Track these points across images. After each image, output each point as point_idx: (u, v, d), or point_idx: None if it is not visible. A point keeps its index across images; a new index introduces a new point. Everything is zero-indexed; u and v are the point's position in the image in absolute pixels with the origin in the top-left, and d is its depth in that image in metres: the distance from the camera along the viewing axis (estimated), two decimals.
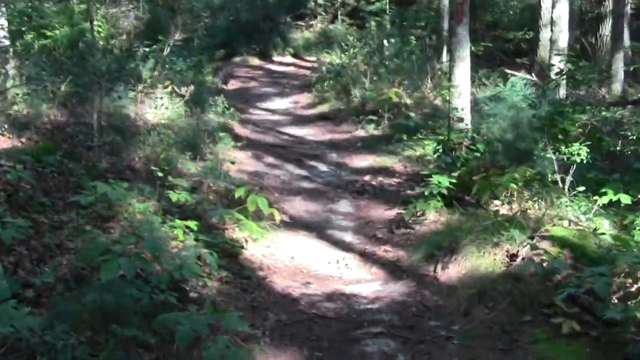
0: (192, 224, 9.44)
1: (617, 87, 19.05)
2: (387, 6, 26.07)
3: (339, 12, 29.33)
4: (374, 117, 17.04)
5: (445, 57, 21.05)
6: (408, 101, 18.01)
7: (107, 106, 14.99)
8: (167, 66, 19.74)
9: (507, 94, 13.08)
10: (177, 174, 12.11)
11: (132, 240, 7.76)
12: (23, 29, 19.91)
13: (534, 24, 23.39)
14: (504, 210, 10.46)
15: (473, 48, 21.38)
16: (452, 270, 9.08)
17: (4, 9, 15.68)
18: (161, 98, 16.46)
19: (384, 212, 11.81)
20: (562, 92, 15.98)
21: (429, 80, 19.16)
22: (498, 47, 23.07)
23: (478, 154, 11.81)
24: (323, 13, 29.76)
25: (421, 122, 15.57)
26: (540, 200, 10.20)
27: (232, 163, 13.31)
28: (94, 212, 9.85)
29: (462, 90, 13.21)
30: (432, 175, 11.00)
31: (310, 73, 23.08)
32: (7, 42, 15.73)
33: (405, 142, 14.98)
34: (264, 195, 10.71)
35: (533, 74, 19.40)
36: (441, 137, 13.56)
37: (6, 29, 15.72)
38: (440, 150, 12.04)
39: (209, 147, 14.54)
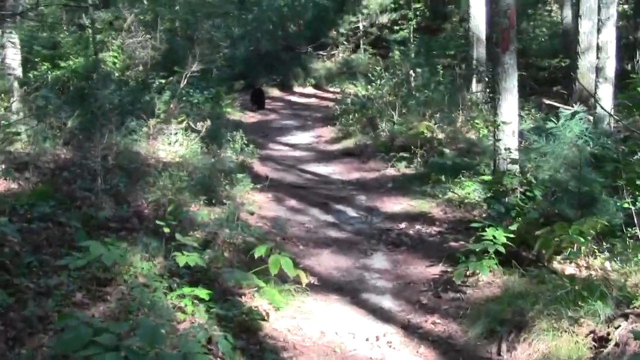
0: (203, 292, 7.67)
1: None
2: (411, 35, 24.17)
3: (361, 41, 27.50)
4: (405, 154, 15.14)
5: (475, 86, 19.24)
6: (441, 135, 16.15)
7: (116, 143, 13.36)
8: (184, 98, 18.10)
9: (559, 130, 11.09)
10: (189, 222, 10.31)
11: (125, 327, 5.94)
12: (37, 59, 18.16)
13: (567, 51, 21.58)
14: (570, 269, 8.58)
15: None
16: (522, 354, 7.12)
17: (15, 38, 14.03)
18: (175, 134, 14.77)
19: (425, 270, 9.86)
20: (611, 123, 14.14)
21: (461, 112, 17.25)
22: (530, 76, 21.12)
23: (534, 202, 9.86)
24: (345, 42, 27.97)
25: (459, 161, 13.65)
26: (617, 260, 8.27)
27: (252, 214, 11.38)
28: (88, 273, 8.11)
29: (509, 127, 11.30)
30: (486, 229, 9.02)
31: (333, 105, 21.30)
32: (18, 73, 14.13)
33: (443, 183, 13.05)
34: (288, 255, 8.75)
35: (574, 104, 17.47)
36: (487, 178, 11.71)
37: (18, 60, 14.13)
38: (492, 197, 10.02)
39: (226, 189, 12.71)
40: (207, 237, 9.98)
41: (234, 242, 9.92)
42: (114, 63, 19.70)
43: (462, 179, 12.96)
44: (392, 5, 27.62)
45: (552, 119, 10.69)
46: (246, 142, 15.75)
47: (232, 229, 9.84)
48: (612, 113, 13.93)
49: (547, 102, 17.51)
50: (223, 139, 15.79)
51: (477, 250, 8.89)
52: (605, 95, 14.45)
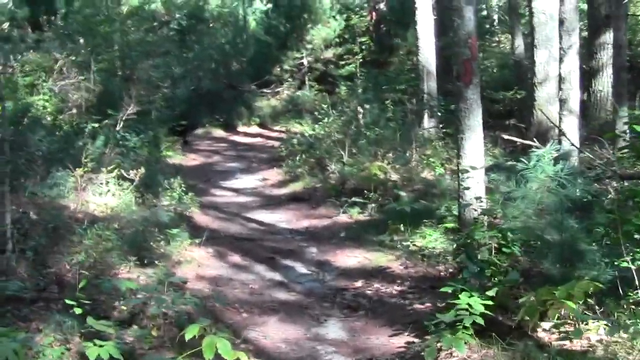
0: None
1: None
2: (358, 69, 22.73)
3: (306, 78, 25.97)
4: (358, 199, 13.57)
5: (427, 122, 17.80)
6: (395, 176, 14.66)
7: (41, 196, 11.77)
8: (120, 143, 16.44)
9: (530, 171, 9.59)
10: (114, 291, 8.63)
11: None
12: None
13: (520, 82, 20.26)
14: (555, 338, 7.11)
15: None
16: None
17: None
18: (106, 183, 13.06)
19: (389, 340, 8.28)
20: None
21: (414, 150, 15.77)
22: (484, 109, 19.70)
23: (510, 258, 8.34)
24: (290, 79, 26.35)
25: (418, 206, 12.06)
26: (615, 328, 6.80)
27: (184, 282, 9.64)
28: None
29: (475, 171, 9.82)
30: (458, 295, 7.46)
31: (279, 145, 19.64)
32: None
33: (402, 232, 11.52)
34: (225, 335, 7.09)
35: (534, 139, 16.12)
36: (450, 226, 10.29)
37: None
38: (464, 255, 8.40)
39: (161, 246, 11.08)
40: (134, 309, 8.33)
41: (165, 315, 8.27)
42: (44, 107, 17.98)
43: (423, 227, 11.46)
44: (337, 40, 26.14)
45: (523, 160, 9.23)
46: (185, 189, 14.10)
47: (160, 302, 8.12)
48: (580, 148, 12.54)
49: (505, 136, 16.07)
50: (160, 187, 14.15)
51: (446, 320, 7.33)
52: (570, 129, 13.00)
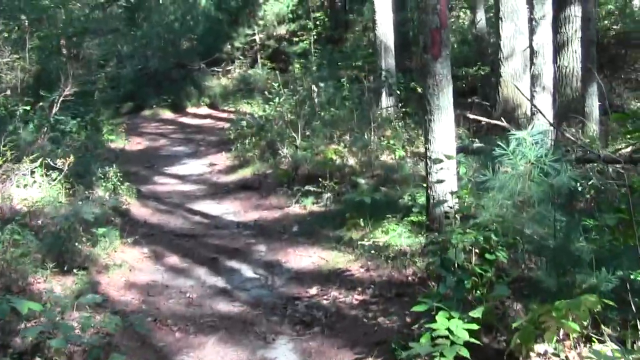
0: None
1: (592, 127, 14.18)
2: (312, 46, 21.00)
3: (258, 56, 24.16)
4: (312, 187, 11.86)
5: (385, 101, 16.17)
6: (352, 161, 13.02)
7: None
8: (58, 126, 14.69)
9: (510, 158, 7.95)
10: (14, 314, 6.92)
11: None
12: None
13: (482, 57, 18.71)
14: None
15: (420, 89, 16.66)
16: None
17: None
18: (31, 174, 11.31)
19: None
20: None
21: (373, 131, 14.14)
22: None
23: (493, 266, 6.71)
24: (241, 57, 24.52)
25: (379, 196, 10.29)
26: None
27: (99, 304, 7.85)
28: None
29: (445, 158, 8.22)
30: (437, 317, 5.84)
31: (229, 126, 17.87)
32: None
33: (362, 227, 9.88)
34: None
35: (502, 118, 14.58)
36: (416, 219, 8.72)
37: None
38: (439, 265, 6.72)
39: (87, 247, 9.37)
40: (40, 337, 6.61)
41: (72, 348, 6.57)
42: None
43: (385, 221, 9.83)
44: (290, 16, 24.36)
45: (501, 144, 7.61)
46: (121, 178, 12.37)
47: (67, 330, 6.39)
48: (559, 129, 11.01)
49: (471, 116, 14.51)
50: (93, 177, 12.39)
51: (419, 350, 5.72)
52: (545, 107, 11.42)
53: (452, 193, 7.92)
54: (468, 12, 23.97)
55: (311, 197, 11.72)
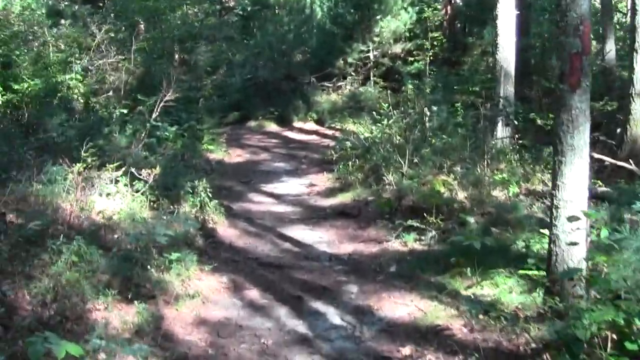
0: None
1: None
2: (427, 67, 19.60)
3: (371, 73, 22.88)
4: (416, 222, 10.45)
5: (501, 131, 14.67)
6: (461, 195, 11.61)
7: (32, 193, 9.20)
8: (157, 133, 13.82)
9: None
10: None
11: None
12: None
13: (608, 92, 16.98)
14: None
15: (540, 121, 15.16)
16: None
17: None
18: (115, 182, 10.35)
19: None
20: None
21: (486, 164, 12.72)
22: None
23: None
24: (353, 74, 23.22)
25: (490, 241, 8.75)
26: None
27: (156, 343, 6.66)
28: None
29: (576, 207, 6.80)
30: None
31: (333, 145, 16.67)
32: None
33: (468, 275, 8.47)
34: None
35: (631, 162, 13.00)
36: (531, 273, 7.34)
37: None
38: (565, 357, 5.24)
39: (160, 272, 8.29)
40: None
41: None
42: (76, 87, 15.27)
43: (495, 271, 8.42)
44: (407, 34, 22.99)
45: None
46: (210, 194, 11.28)
47: None
48: None
49: (596, 155, 12.93)
50: (182, 190, 11.34)
51: None
52: None
53: (586, 260, 6.45)
54: (594, 42, 22.21)
55: (413, 234, 10.36)
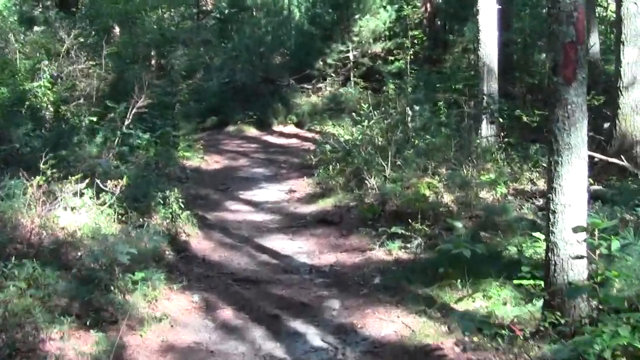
0: None
1: None
2: (408, 66, 18.92)
3: (351, 74, 22.12)
4: (400, 228, 9.71)
5: (485, 129, 14.01)
6: (448, 198, 10.91)
7: None
8: (130, 141, 13.09)
9: None
10: None
11: None
12: None
13: (594, 86, 16.25)
14: None
15: (526, 118, 14.46)
16: None
17: None
18: (80, 195, 9.58)
19: None
20: None
21: (472, 164, 12.05)
22: None
23: None
24: (333, 75, 22.44)
25: (480, 248, 7.95)
26: None
27: None
28: None
29: (575, 211, 6.10)
30: None
31: (315, 148, 15.94)
32: None
33: (457, 286, 7.76)
34: None
35: (622, 156, 12.35)
36: (526, 283, 6.66)
37: None
38: None
39: (124, 293, 7.54)
40: None
41: None
42: (44, 95, 14.48)
43: (487, 280, 7.72)
44: (387, 33, 22.26)
45: None
46: (182, 204, 10.53)
47: None
48: None
49: (596, 155, 12.27)
50: (152, 201, 10.58)
51: None
52: None
53: (593, 278, 5.72)
54: None
55: (398, 241, 9.64)
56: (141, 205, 10.37)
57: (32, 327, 6.40)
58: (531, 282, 7.03)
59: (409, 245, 9.54)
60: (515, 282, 7.24)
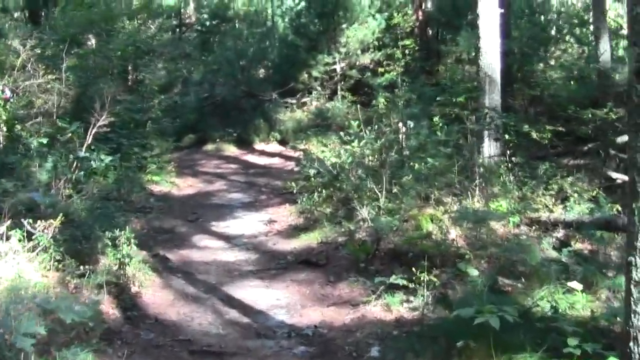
0: None
1: None
2: (399, 78, 16.80)
3: (338, 87, 19.96)
4: (401, 276, 7.51)
5: (488, 147, 11.89)
6: (454, 232, 8.77)
7: None
8: (91, 164, 11.00)
9: None
10: None
11: None
12: None
13: (606, 98, 14.15)
14: None
15: (535, 134, 12.37)
16: None
17: None
18: (6, 239, 7.45)
19: None
20: None
21: (480, 189, 9.94)
22: (570, 131, 13.67)
23: None
24: (319, 88, 20.25)
25: (511, 311, 5.82)
26: None
27: None
28: None
29: None
30: None
31: (297, 170, 13.79)
32: None
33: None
34: None
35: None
36: None
37: None
38: None
39: None
40: None
41: None
42: None
43: (520, 353, 5.57)
44: (376, 43, 20.12)
45: None
46: (137, 245, 8.36)
47: None
48: None
49: (614, 175, 10.19)
50: (99, 242, 8.41)
51: None
52: None
53: None
54: (575, 45, 19.57)
55: (399, 294, 7.45)
56: (84, 248, 8.22)
57: None
58: None
59: (412, 299, 7.35)
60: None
